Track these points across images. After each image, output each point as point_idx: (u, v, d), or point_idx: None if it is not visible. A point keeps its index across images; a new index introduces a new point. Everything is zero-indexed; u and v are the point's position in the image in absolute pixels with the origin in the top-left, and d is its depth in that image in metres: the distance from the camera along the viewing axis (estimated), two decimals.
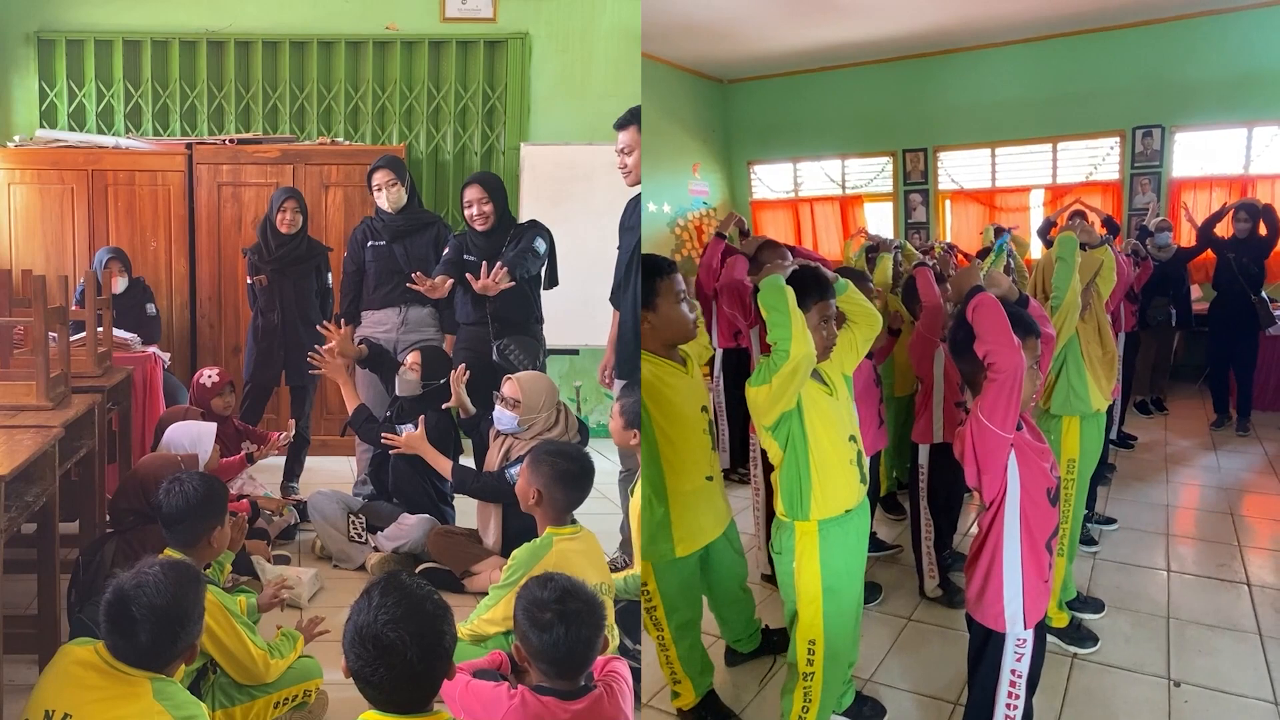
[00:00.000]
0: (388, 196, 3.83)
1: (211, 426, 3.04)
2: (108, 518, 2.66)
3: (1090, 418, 2.79)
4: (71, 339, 3.05)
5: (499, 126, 5.44)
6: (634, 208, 2.99)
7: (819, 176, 8.57)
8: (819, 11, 6.35)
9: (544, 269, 3.62)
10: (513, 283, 3.37)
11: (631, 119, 2.90)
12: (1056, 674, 2.55)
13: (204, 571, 2.09)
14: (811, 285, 2.03)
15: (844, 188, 8.45)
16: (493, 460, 3.19)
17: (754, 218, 8.80)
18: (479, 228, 3.56)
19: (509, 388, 3.15)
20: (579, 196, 5.05)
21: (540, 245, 3.52)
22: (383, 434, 3.34)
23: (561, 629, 1.62)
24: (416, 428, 3.28)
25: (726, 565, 2.44)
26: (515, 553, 2.27)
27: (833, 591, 2.01)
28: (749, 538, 3.34)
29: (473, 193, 3.57)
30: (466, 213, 3.58)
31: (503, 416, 3.13)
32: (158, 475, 2.36)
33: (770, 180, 8.81)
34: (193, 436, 2.94)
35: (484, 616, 2.28)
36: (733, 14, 6.36)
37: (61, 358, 2.79)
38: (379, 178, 3.84)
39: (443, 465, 3.24)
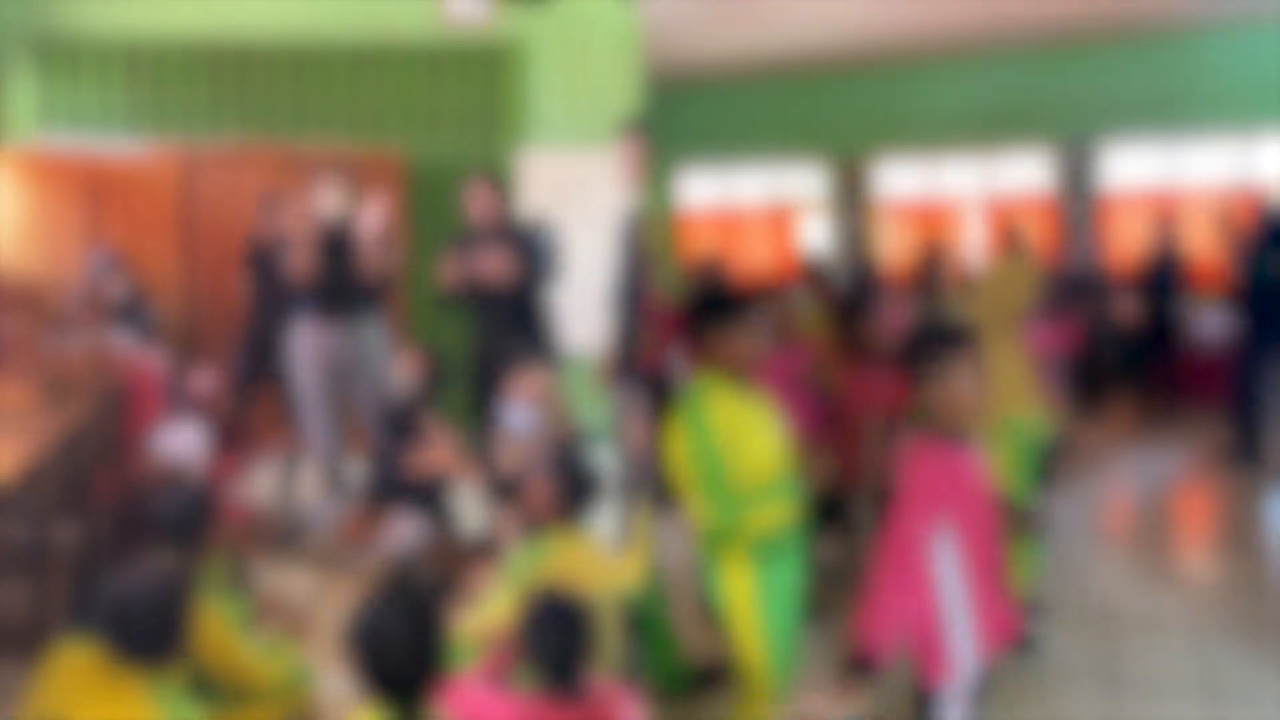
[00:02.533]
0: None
1: (206, 431, 2.94)
2: (103, 523, 2.56)
3: (1018, 424, 2.73)
4: (68, 343, 2.94)
5: (497, 133, 5.34)
6: (632, 214, 2.92)
7: (749, 186, 8.17)
8: (745, 18, 6.16)
9: (545, 273, 3.52)
10: (512, 278, 3.23)
11: (633, 125, 2.84)
12: (998, 683, 2.45)
13: (199, 576, 2.02)
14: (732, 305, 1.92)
15: (775, 199, 8.18)
16: (508, 462, 3.08)
17: (679, 229, 8.47)
18: (480, 228, 3.44)
19: (522, 388, 3.03)
20: (577, 203, 4.96)
21: (546, 249, 3.43)
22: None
23: (556, 636, 1.59)
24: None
25: (643, 601, 2.31)
26: (518, 557, 2.17)
27: (763, 614, 1.88)
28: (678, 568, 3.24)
29: (475, 191, 3.46)
30: (468, 212, 3.46)
31: (517, 417, 3.01)
32: (153, 481, 2.28)
33: (696, 190, 8.41)
34: (187, 441, 2.84)
35: (483, 617, 2.20)
36: (653, 18, 5.94)
37: (58, 363, 2.69)
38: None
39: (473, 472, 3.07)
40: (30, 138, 4.93)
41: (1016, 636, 2.09)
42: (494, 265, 3.17)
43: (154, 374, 3.75)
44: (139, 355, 3.82)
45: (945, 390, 1.70)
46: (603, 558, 2.28)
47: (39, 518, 2.30)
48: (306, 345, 3.59)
